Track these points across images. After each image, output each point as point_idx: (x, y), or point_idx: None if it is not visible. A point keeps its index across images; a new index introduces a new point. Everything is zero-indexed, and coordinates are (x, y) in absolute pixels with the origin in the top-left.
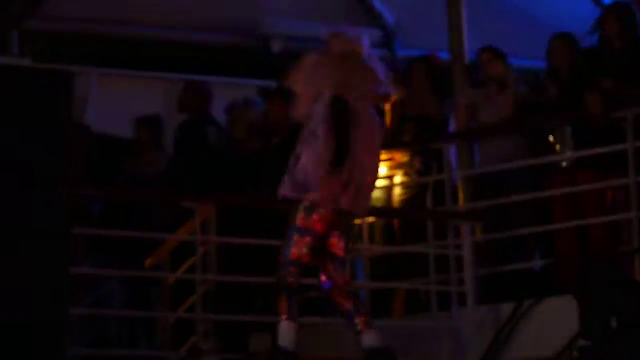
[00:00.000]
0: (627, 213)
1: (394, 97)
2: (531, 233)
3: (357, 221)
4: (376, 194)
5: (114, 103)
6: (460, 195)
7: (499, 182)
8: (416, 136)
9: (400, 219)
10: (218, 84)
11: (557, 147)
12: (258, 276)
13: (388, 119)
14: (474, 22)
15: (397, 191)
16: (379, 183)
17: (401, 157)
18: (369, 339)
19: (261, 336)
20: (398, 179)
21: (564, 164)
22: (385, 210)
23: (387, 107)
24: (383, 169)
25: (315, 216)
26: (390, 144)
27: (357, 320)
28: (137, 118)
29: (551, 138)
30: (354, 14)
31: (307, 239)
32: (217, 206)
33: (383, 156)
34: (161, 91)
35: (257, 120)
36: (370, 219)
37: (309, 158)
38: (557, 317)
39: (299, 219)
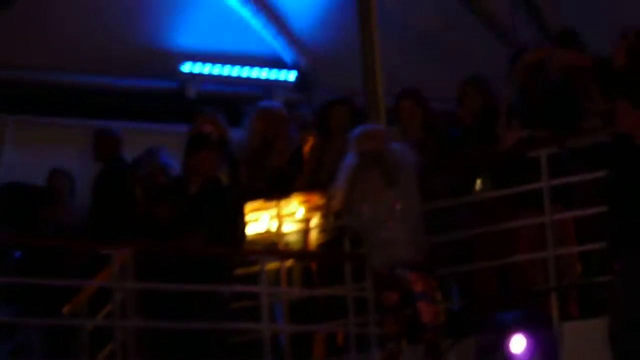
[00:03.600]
0: (543, 252)
1: (311, 140)
2: (450, 273)
3: (276, 265)
4: (293, 237)
5: (30, 151)
6: None
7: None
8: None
9: (318, 262)
10: (135, 129)
11: (477, 184)
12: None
13: (306, 161)
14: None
15: (314, 234)
16: (296, 226)
17: (318, 199)
18: None
19: None
20: (315, 221)
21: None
22: (305, 254)
23: (306, 149)
24: (300, 212)
25: None
26: (308, 187)
27: None
28: (53, 169)
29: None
30: (269, 58)
31: None
32: (134, 252)
33: (300, 199)
34: (77, 137)
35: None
36: (289, 263)
37: None
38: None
39: None
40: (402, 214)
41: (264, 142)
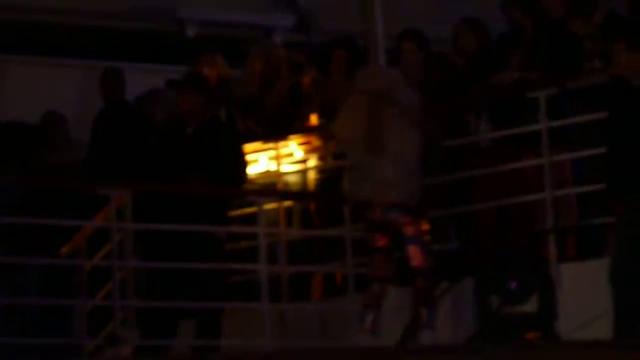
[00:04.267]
0: (541, 193)
1: (309, 82)
2: (448, 215)
3: (274, 206)
4: (292, 178)
5: (29, 90)
6: None
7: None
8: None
9: (317, 204)
10: (134, 69)
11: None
12: (182, 262)
13: (305, 101)
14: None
15: (312, 175)
16: (296, 168)
17: (317, 140)
18: None
19: (188, 322)
20: (312, 162)
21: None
22: (303, 195)
23: (306, 83)
24: (299, 153)
25: None
26: (306, 129)
27: None
28: (47, 112)
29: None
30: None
31: None
32: (133, 192)
33: (299, 140)
34: (77, 77)
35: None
36: (288, 204)
37: None
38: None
39: None
40: (397, 155)
41: (262, 82)
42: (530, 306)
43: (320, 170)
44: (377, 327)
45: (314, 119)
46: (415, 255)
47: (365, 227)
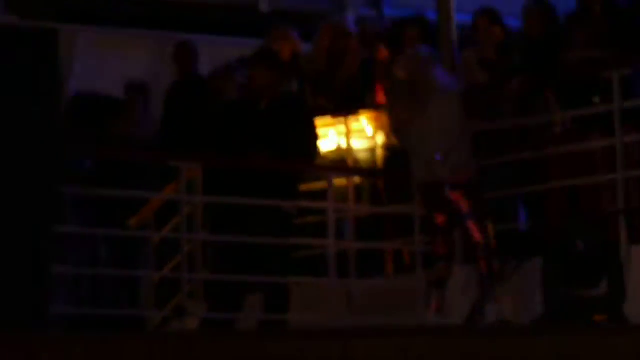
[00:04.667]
0: (612, 174)
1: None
2: (518, 194)
3: (343, 182)
4: (363, 154)
5: (101, 62)
6: None
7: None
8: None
9: (386, 181)
10: (206, 42)
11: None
12: (250, 236)
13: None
14: None
15: (382, 152)
16: (365, 145)
17: (386, 117)
18: None
19: (255, 296)
20: (381, 139)
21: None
22: (372, 172)
23: (380, 57)
24: (369, 130)
25: None
26: (377, 105)
27: None
28: (126, 84)
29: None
30: None
31: None
32: (203, 166)
33: (369, 116)
34: (149, 49)
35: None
36: (357, 181)
37: None
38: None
39: None
40: (438, 135)
41: (330, 58)
42: (600, 288)
43: (388, 147)
44: (443, 305)
45: (382, 96)
46: (475, 229)
47: (424, 206)
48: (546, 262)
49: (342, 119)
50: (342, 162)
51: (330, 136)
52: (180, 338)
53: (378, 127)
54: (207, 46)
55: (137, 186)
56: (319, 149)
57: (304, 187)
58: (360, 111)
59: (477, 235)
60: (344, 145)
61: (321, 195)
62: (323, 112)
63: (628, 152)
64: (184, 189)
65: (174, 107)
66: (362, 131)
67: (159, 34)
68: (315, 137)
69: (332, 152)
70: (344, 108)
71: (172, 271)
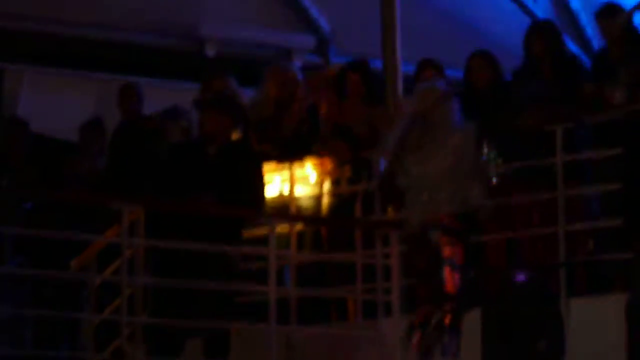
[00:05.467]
0: (553, 227)
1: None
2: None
3: (286, 229)
4: (306, 201)
5: (45, 102)
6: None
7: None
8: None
9: (329, 228)
10: (151, 85)
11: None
12: (192, 280)
13: (322, 127)
14: (408, 29)
15: (326, 200)
16: (309, 191)
17: (331, 164)
18: None
19: (195, 341)
20: (327, 187)
21: (494, 180)
22: (315, 219)
23: (322, 114)
24: (313, 177)
25: None
26: (321, 152)
27: None
28: (82, 123)
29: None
30: (290, 20)
31: None
32: (145, 209)
33: (314, 162)
34: (94, 91)
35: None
36: (299, 227)
37: None
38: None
39: None
40: (450, 173)
41: (276, 105)
42: (540, 344)
43: (334, 194)
44: (423, 346)
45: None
46: (449, 279)
47: (407, 248)
48: (485, 314)
49: (286, 165)
50: (285, 208)
51: (275, 182)
52: None
53: (323, 173)
54: (152, 89)
55: (80, 227)
56: (265, 197)
57: (247, 234)
58: (305, 158)
59: (449, 284)
60: (287, 192)
61: (265, 241)
62: (268, 159)
63: (568, 206)
64: (125, 232)
65: (119, 149)
66: (306, 178)
67: (105, 76)
68: (263, 185)
69: (275, 198)
70: (289, 155)
71: (113, 314)
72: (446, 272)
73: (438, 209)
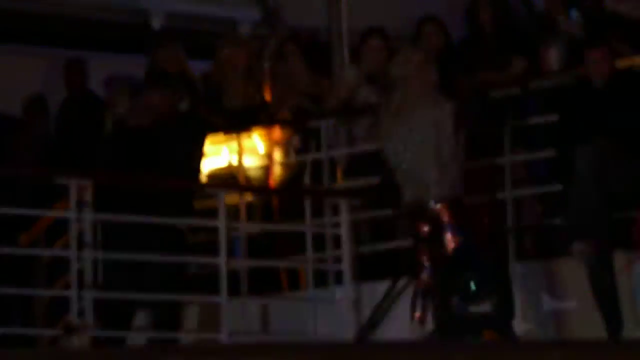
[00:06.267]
0: (502, 193)
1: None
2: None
3: (236, 200)
4: (255, 172)
5: None
6: (339, 174)
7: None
8: (295, 114)
9: (279, 198)
10: (97, 58)
11: None
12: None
13: (268, 98)
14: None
15: (276, 170)
16: (258, 162)
17: (279, 134)
18: None
19: (144, 313)
20: (277, 157)
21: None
22: (264, 189)
23: (267, 86)
24: (262, 148)
25: None
26: (269, 122)
27: None
28: (23, 98)
29: None
30: None
31: None
32: (92, 183)
33: (261, 133)
34: (40, 66)
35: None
36: (249, 198)
37: None
38: None
39: None
40: (434, 151)
41: (226, 76)
42: (489, 305)
43: (283, 164)
44: (427, 316)
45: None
46: (450, 243)
47: (406, 215)
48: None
49: (234, 136)
50: (233, 179)
51: (223, 154)
52: (69, 356)
53: (272, 143)
54: (98, 62)
55: (27, 203)
56: (202, 167)
57: (198, 205)
58: (253, 128)
59: (450, 247)
60: (235, 163)
61: (215, 212)
62: (216, 129)
63: (515, 172)
64: (73, 207)
65: (65, 124)
66: (254, 148)
67: (50, 51)
68: (200, 155)
69: (223, 169)
70: (237, 125)
71: (63, 289)
72: (447, 237)
73: (428, 192)
